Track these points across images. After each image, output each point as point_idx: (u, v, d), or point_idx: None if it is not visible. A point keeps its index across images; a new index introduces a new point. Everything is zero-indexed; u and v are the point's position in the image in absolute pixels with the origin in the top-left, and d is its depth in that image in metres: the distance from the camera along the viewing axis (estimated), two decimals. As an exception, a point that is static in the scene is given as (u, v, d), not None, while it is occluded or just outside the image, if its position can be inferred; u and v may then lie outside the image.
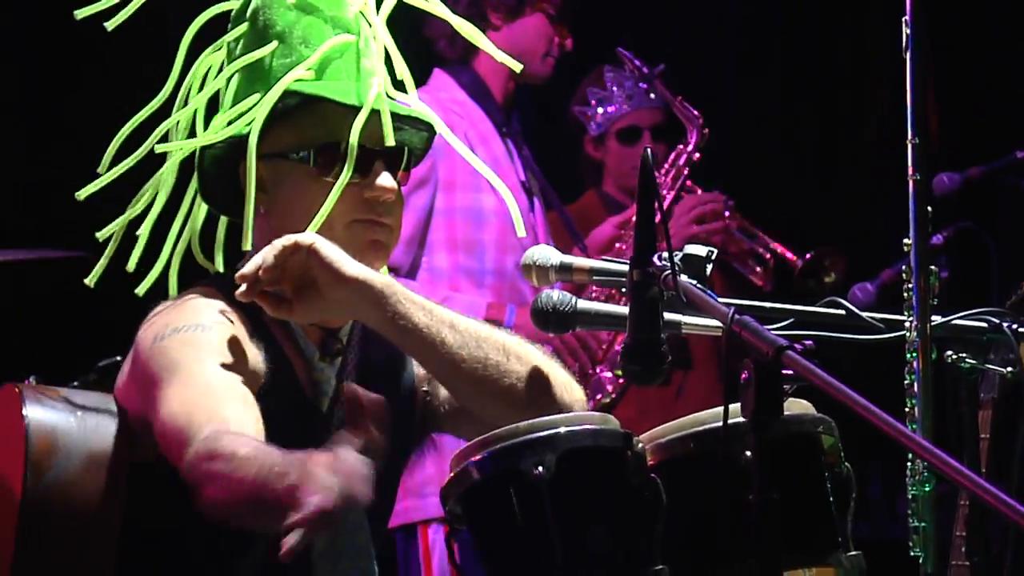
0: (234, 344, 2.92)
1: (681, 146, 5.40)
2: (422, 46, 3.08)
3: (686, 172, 5.40)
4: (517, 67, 3.33)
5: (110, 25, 3.14)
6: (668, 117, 5.58)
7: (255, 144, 2.99)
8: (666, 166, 5.39)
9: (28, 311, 5.75)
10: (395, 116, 3.05)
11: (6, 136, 5.58)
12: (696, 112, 5.38)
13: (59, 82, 5.62)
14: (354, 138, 2.97)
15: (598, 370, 5.17)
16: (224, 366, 2.87)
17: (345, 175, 2.97)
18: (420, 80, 4.70)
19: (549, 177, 5.26)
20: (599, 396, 5.15)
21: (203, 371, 2.85)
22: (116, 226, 3.15)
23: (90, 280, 3.14)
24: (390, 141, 3.00)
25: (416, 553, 4.83)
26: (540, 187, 5.16)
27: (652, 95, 5.52)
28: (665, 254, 2.67)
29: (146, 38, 3.23)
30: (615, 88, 5.54)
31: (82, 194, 3.13)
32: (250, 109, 3.03)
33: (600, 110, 5.56)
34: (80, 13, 3.14)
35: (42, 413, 2.96)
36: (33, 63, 5.84)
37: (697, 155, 5.39)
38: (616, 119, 5.56)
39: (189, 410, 2.78)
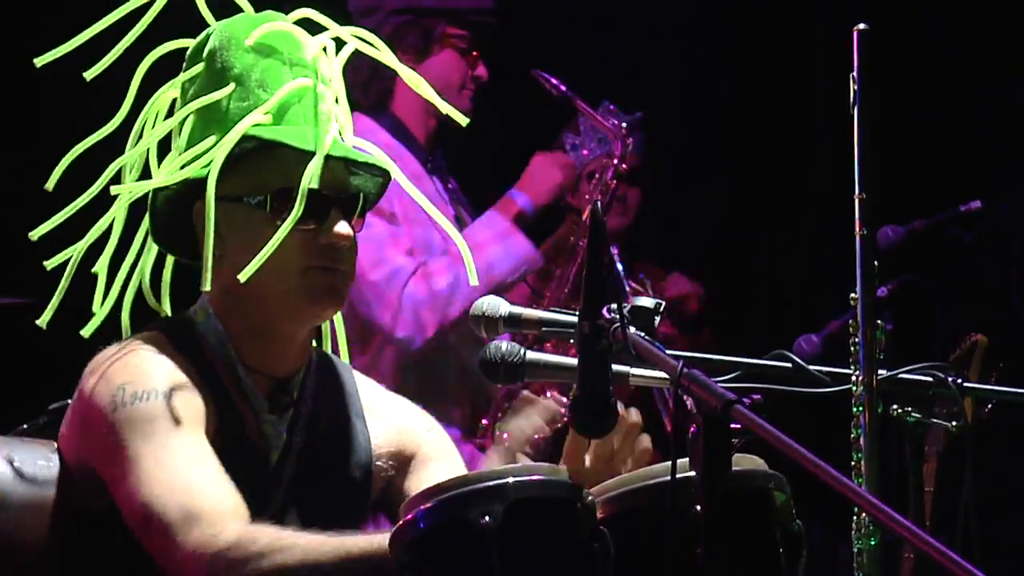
0: (193, 409, 2.91)
1: (606, 159, 5.40)
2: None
3: (613, 184, 5.40)
4: (463, 120, 3.35)
5: (89, 75, 3.14)
6: (639, 163, 5.63)
7: (214, 187, 2.96)
8: (595, 179, 5.38)
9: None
10: (352, 162, 3.05)
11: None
12: (617, 121, 5.37)
13: (10, 120, 5.61)
14: (308, 183, 2.96)
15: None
16: (195, 442, 2.88)
17: (293, 217, 2.95)
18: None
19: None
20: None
21: (178, 451, 2.85)
22: (65, 255, 3.12)
23: (42, 321, 3.12)
24: (315, 182, 2.97)
25: None
26: (470, 217, 5.16)
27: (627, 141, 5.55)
28: (615, 306, 2.67)
29: (99, 74, 3.21)
30: (587, 134, 5.54)
31: (35, 234, 3.11)
32: (207, 151, 3.01)
33: (574, 156, 5.56)
34: (40, 60, 3.13)
35: (-20, 463, 2.95)
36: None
37: (624, 166, 5.39)
38: (587, 162, 5.56)
39: (180, 496, 2.81)
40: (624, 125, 5.34)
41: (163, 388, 2.91)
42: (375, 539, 2.68)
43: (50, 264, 3.13)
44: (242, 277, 2.93)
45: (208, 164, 2.99)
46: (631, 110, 5.42)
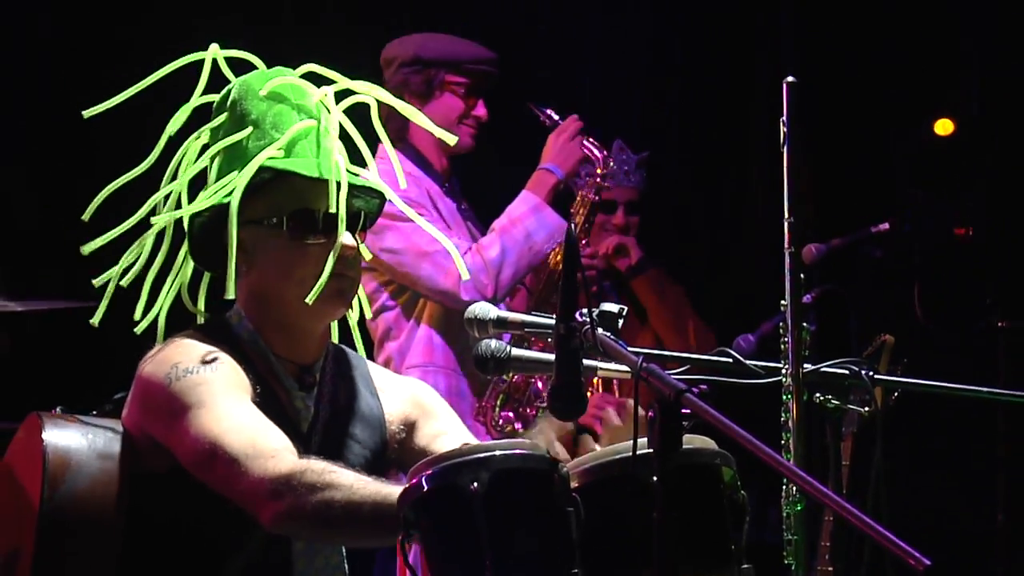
0: (237, 378, 2.95)
1: (588, 179, 5.34)
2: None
3: (596, 199, 5.34)
4: (451, 140, 3.38)
5: (87, 114, 3.18)
6: (640, 195, 5.57)
7: (236, 210, 3.01)
8: (578, 196, 5.32)
9: (55, 353, 5.74)
10: (353, 187, 3.08)
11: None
12: (604, 152, 5.31)
13: (71, 161, 5.63)
14: (341, 209, 3.02)
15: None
16: (244, 400, 2.92)
17: (339, 240, 3.01)
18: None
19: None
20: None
21: (229, 406, 2.89)
22: (109, 276, 3.17)
23: (94, 320, 3.15)
24: (342, 208, 3.03)
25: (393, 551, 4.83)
26: (479, 232, 5.16)
27: (631, 178, 5.52)
28: (586, 311, 2.70)
29: (140, 119, 3.26)
30: (599, 165, 5.50)
31: (87, 249, 3.15)
32: (231, 182, 3.05)
33: (586, 180, 5.51)
34: (87, 113, 3.18)
35: (58, 436, 2.96)
36: (46, 143, 5.86)
37: (607, 184, 5.34)
38: (579, 185, 5.49)
39: (242, 438, 2.83)
40: (606, 154, 5.29)
41: (209, 362, 2.96)
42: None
43: (97, 282, 3.17)
44: (309, 300, 2.99)
45: (232, 192, 3.04)
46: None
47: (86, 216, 3.15)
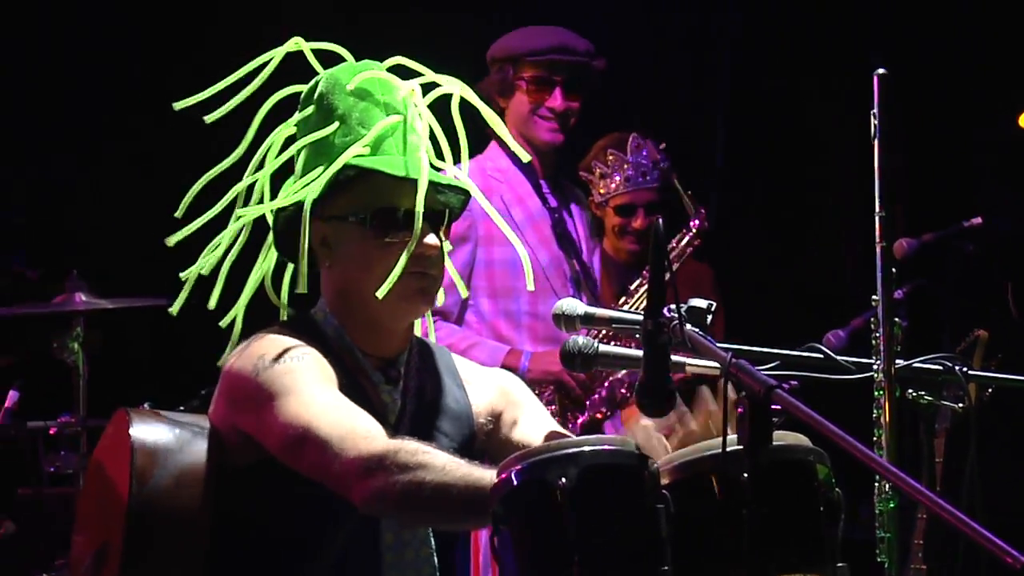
0: (323, 369, 2.96)
1: (685, 230, 5.29)
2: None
3: (688, 251, 5.31)
4: (525, 157, 3.38)
5: (209, 119, 3.17)
6: (659, 196, 5.46)
7: (309, 208, 3.02)
8: (672, 244, 5.28)
9: (145, 350, 5.80)
10: (438, 184, 3.07)
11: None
12: (703, 209, 5.27)
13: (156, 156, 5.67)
14: (419, 207, 3.01)
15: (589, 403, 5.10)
16: (328, 387, 2.93)
17: (413, 240, 3.00)
18: (480, 149, 4.73)
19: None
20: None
21: (317, 391, 2.90)
22: (197, 268, 3.17)
23: (173, 309, 3.16)
24: (420, 206, 3.01)
25: (468, 545, 4.83)
26: (583, 236, 5.13)
27: (647, 177, 5.45)
28: (673, 307, 2.68)
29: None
30: (615, 167, 5.45)
31: (171, 240, 3.16)
32: (315, 179, 3.06)
33: (602, 183, 5.48)
34: (178, 105, 3.18)
35: (145, 431, 2.98)
36: (131, 138, 5.91)
37: (698, 241, 5.29)
38: (615, 195, 5.46)
39: (332, 421, 2.84)
40: (703, 209, 5.24)
41: (295, 353, 2.96)
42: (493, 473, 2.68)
43: (184, 275, 3.17)
44: (380, 294, 2.99)
45: (319, 188, 3.04)
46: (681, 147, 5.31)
47: (180, 212, 3.15)
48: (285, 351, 2.96)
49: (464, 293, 3.33)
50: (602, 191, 5.46)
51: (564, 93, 5.02)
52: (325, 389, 2.92)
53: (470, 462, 2.76)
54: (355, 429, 2.82)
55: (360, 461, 2.77)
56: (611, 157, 5.44)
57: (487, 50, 5.11)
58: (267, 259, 3.21)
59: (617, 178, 5.41)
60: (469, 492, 2.68)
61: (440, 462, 2.74)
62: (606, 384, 4.98)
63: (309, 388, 2.90)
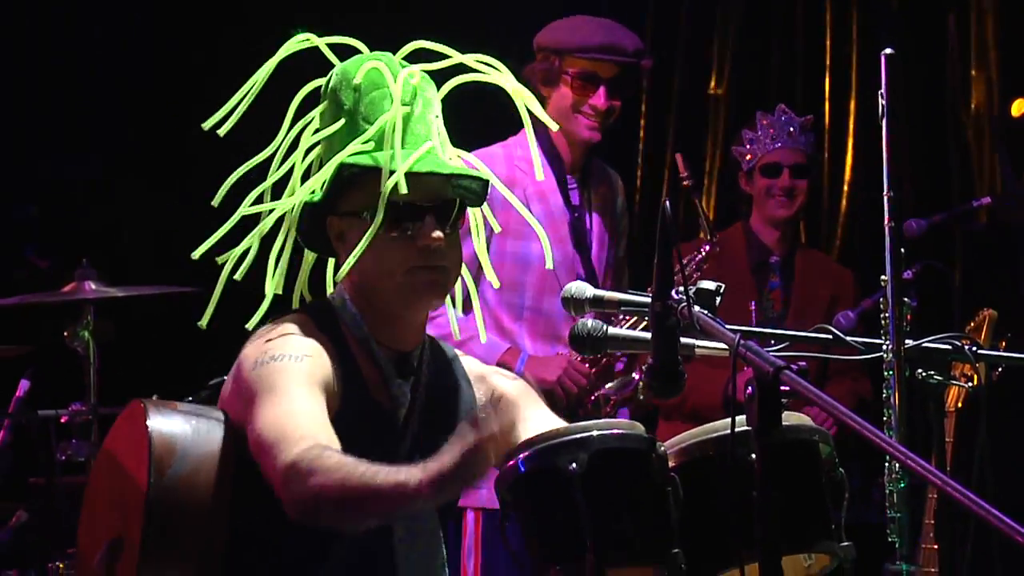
0: (319, 373, 2.94)
1: (696, 252, 5.17)
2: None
3: (696, 276, 5.16)
4: (554, 126, 3.28)
5: (222, 132, 3.15)
6: (807, 159, 5.47)
7: (297, 214, 3.06)
8: (685, 259, 5.14)
9: (152, 339, 5.80)
10: (447, 175, 3.05)
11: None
12: (717, 236, 5.20)
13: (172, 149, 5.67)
14: (384, 199, 2.98)
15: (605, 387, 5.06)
16: (310, 394, 2.90)
17: (373, 228, 2.98)
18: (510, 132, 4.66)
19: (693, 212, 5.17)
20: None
21: (292, 396, 2.88)
22: (229, 256, 3.14)
23: (202, 322, 3.14)
24: (403, 190, 2.97)
25: (458, 533, 4.82)
26: (607, 233, 5.08)
27: (794, 139, 5.43)
28: (681, 288, 2.68)
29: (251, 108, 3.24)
30: (764, 130, 5.44)
31: (196, 254, 3.13)
32: (315, 179, 3.07)
33: (750, 150, 5.45)
34: (206, 124, 3.15)
35: (162, 422, 2.96)
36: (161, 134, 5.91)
37: (707, 265, 5.19)
38: (762, 156, 5.44)
39: (281, 425, 2.82)
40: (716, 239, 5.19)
41: (296, 354, 2.95)
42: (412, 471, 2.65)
43: (221, 260, 3.14)
44: (338, 278, 3.01)
45: (319, 188, 3.05)
46: None
47: (216, 201, 3.12)
48: (289, 349, 2.95)
49: (496, 283, 3.28)
50: (749, 158, 5.44)
51: (608, 92, 4.92)
52: (299, 396, 2.88)
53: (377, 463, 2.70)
54: (286, 435, 2.79)
55: (280, 470, 2.75)
56: (763, 122, 5.45)
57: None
58: (287, 249, 3.19)
59: (765, 139, 5.42)
60: (368, 490, 2.65)
61: (334, 462, 2.70)
62: (592, 398, 4.96)
63: (283, 395, 2.87)
